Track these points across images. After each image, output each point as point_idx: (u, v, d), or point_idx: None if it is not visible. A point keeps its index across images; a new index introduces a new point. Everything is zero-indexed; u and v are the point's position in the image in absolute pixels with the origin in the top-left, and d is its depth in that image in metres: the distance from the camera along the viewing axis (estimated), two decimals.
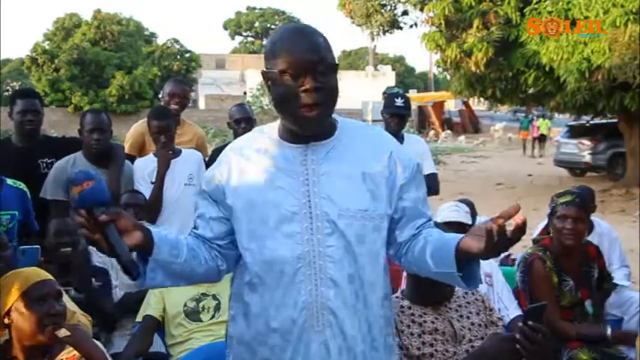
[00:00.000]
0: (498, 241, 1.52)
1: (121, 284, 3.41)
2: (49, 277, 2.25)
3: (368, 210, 1.70)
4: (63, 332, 2.13)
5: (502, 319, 2.44)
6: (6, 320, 2.13)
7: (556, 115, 24.88)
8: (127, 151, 4.29)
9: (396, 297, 2.42)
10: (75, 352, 2.13)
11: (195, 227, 1.81)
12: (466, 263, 1.64)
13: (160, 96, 5.38)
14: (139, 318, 3.15)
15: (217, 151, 4.66)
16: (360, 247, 1.70)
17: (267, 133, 1.79)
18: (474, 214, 3.95)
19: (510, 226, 1.52)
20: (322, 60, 1.65)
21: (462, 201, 4.02)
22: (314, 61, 1.63)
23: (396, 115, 4.45)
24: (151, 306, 3.13)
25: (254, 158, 1.75)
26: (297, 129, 1.70)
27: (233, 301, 1.81)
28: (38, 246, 3.12)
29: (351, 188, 1.71)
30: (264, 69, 1.70)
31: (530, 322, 1.91)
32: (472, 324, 2.38)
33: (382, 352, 1.79)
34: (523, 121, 26.66)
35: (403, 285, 3.16)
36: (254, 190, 1.71)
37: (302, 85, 1.62)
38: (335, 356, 1.69)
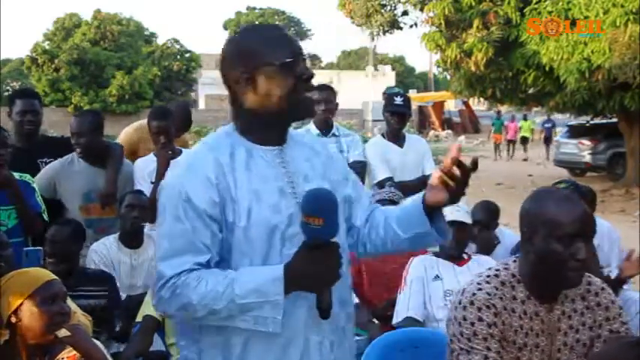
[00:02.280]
0: (456, 184, 1.64)
1: (122, 287, 3.41)
2: (56, 277, 2.25)
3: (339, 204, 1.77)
4: (63, 332, 2.13)
5: (626, 323, 2.02)
6: (13, 319, 2.13)
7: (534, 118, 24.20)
8: None
9: (510, 283, 1.97)
10: (75, 351, 2.14)
11: (205, 259, 1.63)
12: (433, 220, 1.73)
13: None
14: (138, 318, 3.15)
15: None
16: (345, 237, 1.77)
17: (234, 136, 1.73)
18: (495, 218, 3.95)
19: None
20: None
21: (486, 203, 4.03)
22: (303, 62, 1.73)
23: (396, 114, 4.49)
24: (150, 306, 3.12)
25: (238, 163, 1.68)
26: (301, 116, 1.76)
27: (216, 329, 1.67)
28: (41, 248, 3.12)
29: (322, 185, 1.74)
30: (257, 65, 1.66)
31: None
32: (577, 341, 1.97)
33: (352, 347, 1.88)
34: (495, 123, 24.47)
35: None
36: (253, 198, 1.66)
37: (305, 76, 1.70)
38: (327, 353, 1.72)
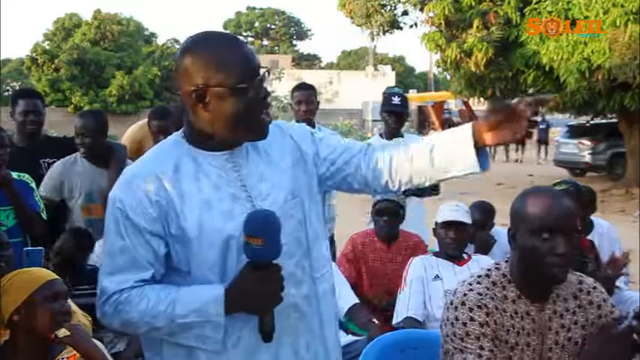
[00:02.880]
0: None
1: None
2: (57, 277, 2.26)
3: (298, 196, 1.71)
4: (63, 332, 2.14)
5: (617, 319, 2.01)
6: (14, 318, 2.13)
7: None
8: None
9: (501, 283, 1.97)
10: (75, 351, 2.14)
11: (148, 273, 1.62)
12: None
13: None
14: None
15: None
16: (308, 229, 1.71)
17: (182, 145, 1.69)
18: (491, 218, 3.96)
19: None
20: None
21: (481, 203, 4.04)
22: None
23: (393, 113, 4.49)
24: None
25: (185, 175, 1.64)
26: (253, 137, 1.67)
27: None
28: (42, 248, 3.12)
29: (280, 180, 1.70)
30: (208, 85, 1.59)
31: None
32: (569, 340, 1.96)
33: (336, 341, 1.84)
34: None
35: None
36: (204, 207, 1.62)
37: (262, 94, 1.64)
38: (304, 353, 1.70)
